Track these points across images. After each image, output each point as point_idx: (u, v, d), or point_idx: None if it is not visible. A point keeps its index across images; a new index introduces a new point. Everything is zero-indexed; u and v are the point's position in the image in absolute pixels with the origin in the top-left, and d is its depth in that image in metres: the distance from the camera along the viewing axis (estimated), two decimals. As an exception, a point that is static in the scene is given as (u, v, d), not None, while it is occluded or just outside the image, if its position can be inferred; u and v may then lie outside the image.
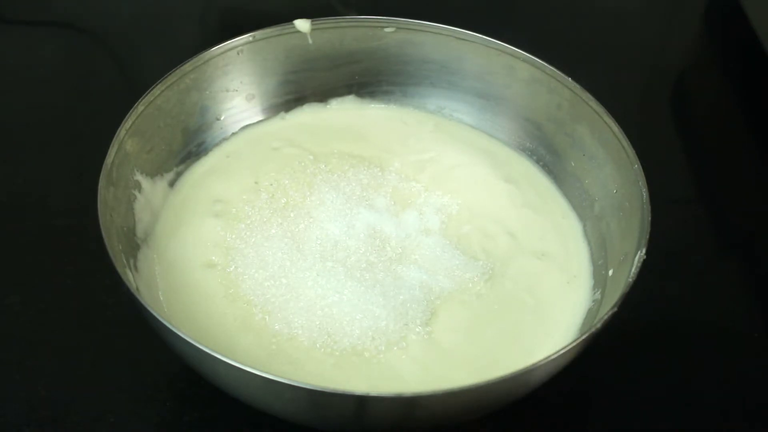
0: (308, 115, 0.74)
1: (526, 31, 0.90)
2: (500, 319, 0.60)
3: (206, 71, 0.68)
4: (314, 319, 0.58)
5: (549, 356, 0.49)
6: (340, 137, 0.72)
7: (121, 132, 0.61)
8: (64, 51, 0.90)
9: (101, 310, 0.64)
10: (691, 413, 0.62)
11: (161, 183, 0.66)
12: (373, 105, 0.75)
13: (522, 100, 0.71)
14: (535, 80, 0.69)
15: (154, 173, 0.65)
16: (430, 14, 0.73)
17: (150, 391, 0.60)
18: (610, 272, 0.61)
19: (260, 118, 0.73)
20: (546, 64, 0.68)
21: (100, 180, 0.57)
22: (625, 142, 0.62)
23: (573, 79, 0.67)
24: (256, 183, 0.67)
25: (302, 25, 0.71)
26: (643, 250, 0.55)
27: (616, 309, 0.52)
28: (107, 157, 0.59)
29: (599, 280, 0.62)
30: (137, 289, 0.56)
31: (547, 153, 0.71)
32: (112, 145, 0.59)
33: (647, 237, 0.56)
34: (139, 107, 0.63)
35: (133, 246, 0.61)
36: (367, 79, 0.74)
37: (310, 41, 0.72)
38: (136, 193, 0.63)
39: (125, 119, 0.61)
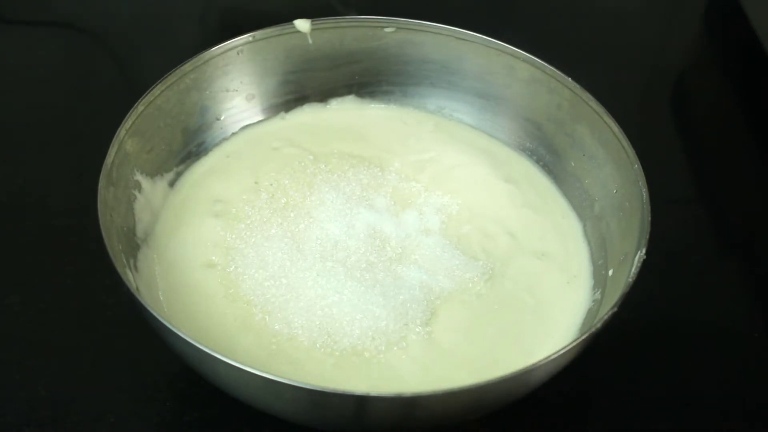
0: (308, 115, 0.74)
1: (526, 31, 0.89)
2: (500, 319, 0.60)
3: (206, 71, 0.68)
4: (314, 319, 0.58)
5: (549, 356, 0.49)
6: (340, 137, 0.72)
7: (121, 132, 0.61)
8: (64, 51, 0.90)
9: (101, 310, 0.64)
10: (691, 413, 0.62)
11: (161, 183, 0.66)
12: (373, 105, 0.75)
13: (522, 100, 0.71)
14: (535, 80, 0.69)
15: (154, 173, 0.65)
16: (430, 14, 0.73)
17: (150, 391, 0.60)
18: (610, 272, 0.61)
19: (260, 118, 0.73)
20: (546, 64, 0.68)
21: (100, 180, 0.57)
22: (625, 142, 0.62)
23: (573, 79, 0.67)
24: (256, 183, 0.67)
25: (302, 25, 0.71)
26: (643, 250, 0.55)
27: (616, 309, 0.52)
28: (107, 157, 0.59)
29: (599, 280, 0.62)
30: (137, 289, 0.56)
31: (547, 153, 0.71)
32: (112, 145, 0.59)
33: (647, 237, 0.56)
34: (139, 107, 0.63)
35: (133, 246, 0.61)
36: (367, 79, 0.74)
37: (310, 41, 0.72)
38: (136, 193, 0.63)
39: (125, 119, 0.61)
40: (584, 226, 0.67)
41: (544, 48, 0.70)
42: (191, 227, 0.64)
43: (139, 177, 0.63)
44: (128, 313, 0.58)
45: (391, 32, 0.72)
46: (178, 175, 0.68)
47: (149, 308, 0.50)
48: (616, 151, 0.63)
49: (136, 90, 0.65)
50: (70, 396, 0.60)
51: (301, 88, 0.74)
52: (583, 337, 0.51)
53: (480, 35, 0.70)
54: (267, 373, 0.47)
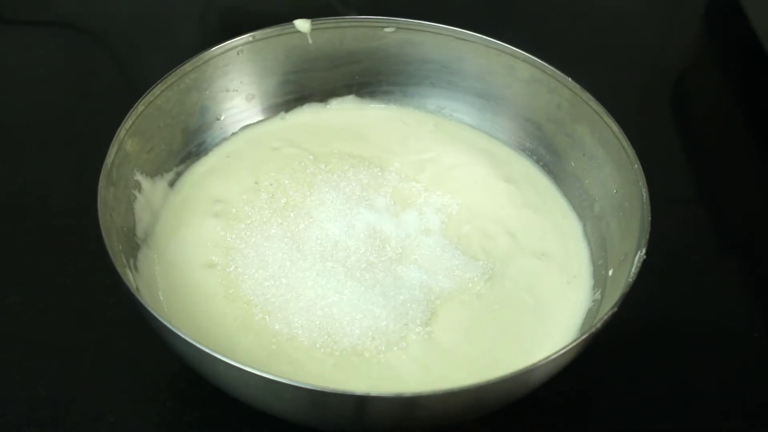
0: (308, 115, 0.74)
1: (526, 31, 0.89)
2: (500, 319, 0.60)
3: (206, 71, 0.68)
4: (314, 319, 0.58)
5: (549, 356, 0.49)
6: (340, 137, 0.72)
7: (121, 132, 0.61)
8: (64, 51, 0.90)
9: (101, 310, 0.64)
10: (691, 413, 0.62)
11: (161, 183, 0.66)
12: (373, 105, 0.75)
13: (522, 100, 0.71)
14: (535, 80, 0.69)
15: (154, 173, 0.65)
16: (430, 14, 0.73)
17: (150, 391, 0.60)
18: (610, 272, 0.61)
19: (260, 118, 0.73)
20: (546, 64, 0.68)
21: (100, 180, 0.57)
22: (625, 142, 0.62)
23: (573, 79, 0.67)
24: (256, 183, 0.67)
25: (302, 25, 0.71)
26: (643, 250, 0.55)
27: (616, 309, 0.52)
28: (107, 157, 0.59)
29: (599, 280, 0.62)
30: (137, 289, 0.56)
31: (547, 153, 0.71)
32: (112, 145, 0.59)
33: (647, 237, 0.56)
34: (139, 107, 0.63)
35: (133, 246, 0.61)
36: (367, 79, 0.74)
37: (310, 41, 0.72)
38: (136, 193, 0.63)
39: (125, 119, 0.61)
40: (584, 226, 0.67)
41: (544, 48, 0.70)
42: (191, 227, 0.64)
43: (139, 177, 0.63)
44: (128, 313, 0.58)
45: (391, 32, 0.72)
46: (178, 175, 0.68)
47: (149, 308, 0.50)
48: (616, 151, 0.63)
49: (136, 90, 0.65)
50: (70, 396, 0.60)
51: (301, 88, 0.74)
52: (583, 337, 0.51)
53: (480, 35, 0.70)
54: (267, 373, 0.47)
